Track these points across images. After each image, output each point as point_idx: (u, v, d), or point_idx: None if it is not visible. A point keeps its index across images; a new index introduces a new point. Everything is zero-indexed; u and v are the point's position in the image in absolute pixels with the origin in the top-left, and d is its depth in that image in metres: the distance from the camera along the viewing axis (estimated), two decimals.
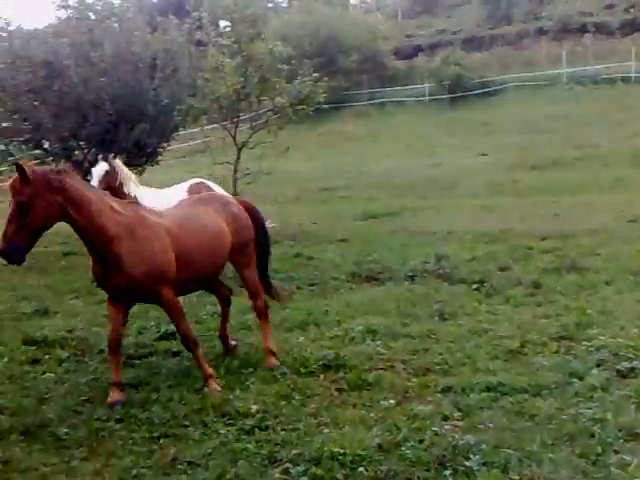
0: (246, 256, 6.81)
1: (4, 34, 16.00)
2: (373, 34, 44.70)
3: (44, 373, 6.75)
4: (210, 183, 10.31)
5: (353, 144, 33.84)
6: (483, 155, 27.59)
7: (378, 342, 7.19)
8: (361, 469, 4.43)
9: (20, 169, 5.28)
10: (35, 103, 14.90)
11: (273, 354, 6.66)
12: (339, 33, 42.83)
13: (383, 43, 45.02)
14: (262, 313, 6.94)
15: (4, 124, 15.56)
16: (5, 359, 7.17)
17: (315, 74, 17.59)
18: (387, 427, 5.04)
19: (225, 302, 7.27)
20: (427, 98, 40.89)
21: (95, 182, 10.46)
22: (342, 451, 4.58)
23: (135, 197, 9.94)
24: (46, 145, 15.92)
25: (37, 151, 16.45)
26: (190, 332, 6.17)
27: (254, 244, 6.90)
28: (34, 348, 7.45)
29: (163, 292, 5.93)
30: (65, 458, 4.85)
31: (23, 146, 15.71)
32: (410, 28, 51.28)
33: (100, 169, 10.63)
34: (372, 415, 5.33)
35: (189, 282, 6.36)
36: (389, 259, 11.69)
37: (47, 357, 7.14)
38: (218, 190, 9.90)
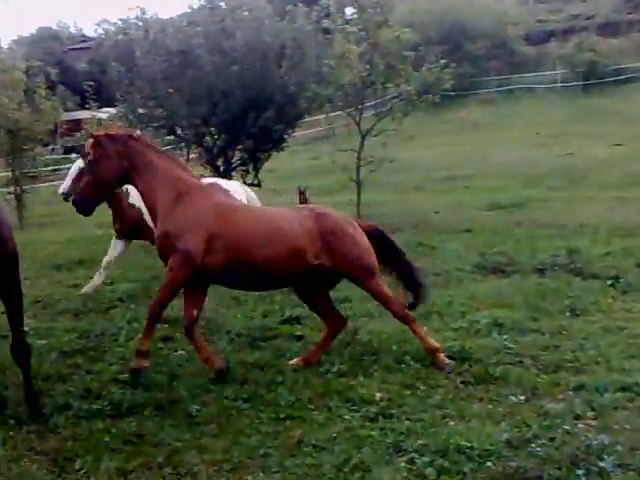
0: (358, 271, 6.37)
1: (140, 23, 16.73)
2: (501, 20, 43.47)
3: (176, 350, 7.04)
4: (225, 185, 9.27)
5: (478, 132, 33.03)
6: (618, 145, 26.17)
7: (505, 336, 6.99)
8: (489, 464, 4.31)
9: (91, 135, 6.47)
10: (169, 91, 15.49)
11: (438, 351, 6.25)
12: (466, 19, 41.95)
13: (512, 29, 43.66)
14: (402, 318, 6.49)
15: (140, 110, 16.25)
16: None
17: (442, 60, 17.27)
18: (516, 423, 4.90)
19: (332, 332, 6.71)
20: (558, 85, 39.31)
21: (68, 182, 10.07)
22: (469, 445, 4.49)
23: (127, 192, 9.31)
24: (179, 131, 16.54)
25: (170, 137, 17.15)
26: (157, 310, 6.16)
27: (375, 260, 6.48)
28: (166, 326, 7.76)
29: (171, 259, 6.03)
30: (196, 434, 4.99)
31: (157, 132, 16.34)
32: (542, 13, 49.52)
33: (75, 168, 10.11)
34: (500, 410, 5.18)
35: (233, 267, 6.10)
36: (516, 251, 11.33)
37: (178, 335, 7.42)
38: (235, 192, 9.03)
